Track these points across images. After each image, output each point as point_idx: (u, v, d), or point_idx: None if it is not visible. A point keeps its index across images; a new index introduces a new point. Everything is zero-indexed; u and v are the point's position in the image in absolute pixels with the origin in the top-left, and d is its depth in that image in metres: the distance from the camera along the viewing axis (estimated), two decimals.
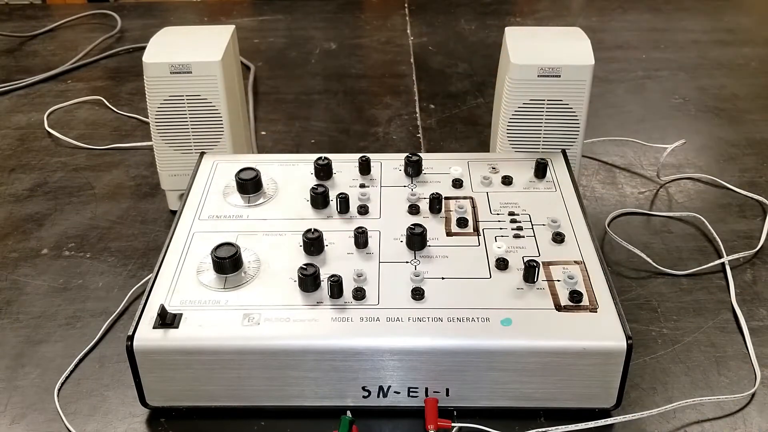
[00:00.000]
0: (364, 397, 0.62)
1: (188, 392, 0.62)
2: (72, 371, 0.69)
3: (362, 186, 0.78)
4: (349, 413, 0.62)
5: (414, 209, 0.74)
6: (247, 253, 0.68)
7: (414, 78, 1.28)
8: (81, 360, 0.70)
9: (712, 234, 0.86)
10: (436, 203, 0.73)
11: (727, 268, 0.80)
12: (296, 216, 0.74)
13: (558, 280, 0.65)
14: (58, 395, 0.66)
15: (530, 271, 0.64)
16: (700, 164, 1.00)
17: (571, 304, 0.62)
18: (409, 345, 0.60)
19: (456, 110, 1.16)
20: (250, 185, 0.76)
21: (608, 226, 0.86)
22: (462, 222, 0.72)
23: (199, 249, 0.69)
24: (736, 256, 0.82)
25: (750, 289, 0.78)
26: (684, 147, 1.02)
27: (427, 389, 0.62)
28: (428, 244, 0.69)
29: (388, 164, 0.81)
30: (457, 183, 0.77)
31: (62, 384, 0.68)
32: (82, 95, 1.20)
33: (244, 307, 0.63)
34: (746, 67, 1.30)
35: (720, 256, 0.82)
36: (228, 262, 0.65)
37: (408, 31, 1.48)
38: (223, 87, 0.83)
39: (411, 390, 0.62)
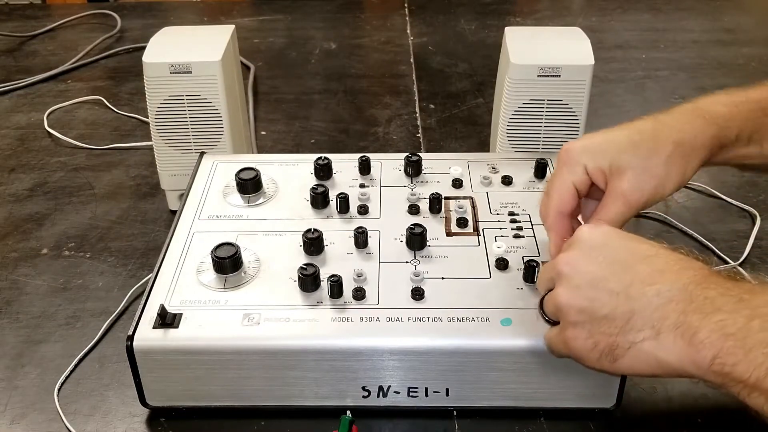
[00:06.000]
0: (364, 397, 0.62)
1: (188, 392, 0.62)
2: (72, 371, 0.69)
3: (362, 186, 0.78)
4: (349, 413, 0.62)
5: (414, 209, 0.74)
6: (247, 253, 0.68)
7: (414, 78, 1.28)
8: (81, 360, 0.70)
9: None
10: (436, 203, 0.73)
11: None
12: (296, 216, 0.74)
13: None
14: (58, 395, 0.66)
15: (530, 271, 0.64)
16: None
17: None
18: (409, 345, 0.60)
19: (456, 110, 1.16)
20: (250, 185, 0.76)
21: None
22: (462, 222, 0.72)
23: (199, 249, 0.69)
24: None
25: None
26: None
27: (427, 389, 0.62)
28: (428, 244, 0.69)
29: (388, 164, 0.81)
30: (457, 183, 0.77)
31: (62, 384, 0.68)
32: (81, 95, 1.20)
33: (244, 307, 0.62)
34: (746, 67, 1.30)
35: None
36: (228, 262, 0.65)
37: (408, 31, 1.48)
38: (223, 87, 0.83)
39: (411, 390, 0.62)
